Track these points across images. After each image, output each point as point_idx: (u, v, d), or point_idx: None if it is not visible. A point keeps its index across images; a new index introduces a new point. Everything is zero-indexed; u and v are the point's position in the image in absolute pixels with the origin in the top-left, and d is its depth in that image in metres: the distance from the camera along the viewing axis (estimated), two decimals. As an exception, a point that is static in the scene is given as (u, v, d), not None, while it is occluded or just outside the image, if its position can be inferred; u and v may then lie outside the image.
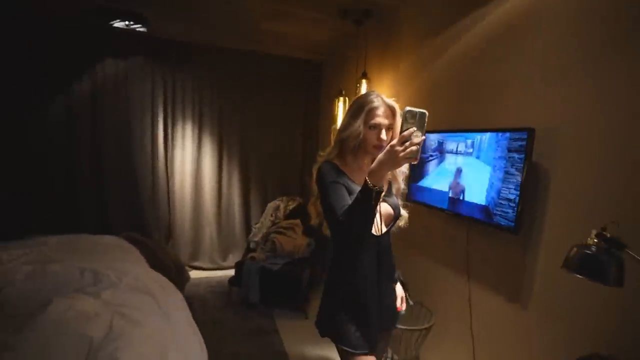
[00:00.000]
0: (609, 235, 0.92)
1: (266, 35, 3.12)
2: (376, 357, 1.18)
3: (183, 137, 3.47)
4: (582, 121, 1.21)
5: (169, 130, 3.42)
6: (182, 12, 2.74)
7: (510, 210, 1.35)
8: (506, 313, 1.50)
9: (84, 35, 3.02)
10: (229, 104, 3.58)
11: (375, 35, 2.65)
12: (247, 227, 3.73)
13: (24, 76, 2.92)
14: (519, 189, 1.31)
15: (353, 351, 1.09)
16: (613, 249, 0.92)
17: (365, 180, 0.91)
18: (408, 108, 0.87)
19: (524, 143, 1.29)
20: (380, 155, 0.90)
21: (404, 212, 1.19)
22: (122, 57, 3.18)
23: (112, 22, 2.73)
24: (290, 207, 3.33)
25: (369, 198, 0.91)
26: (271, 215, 3.27)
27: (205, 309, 2.76)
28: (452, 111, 1.87)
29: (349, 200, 0.98)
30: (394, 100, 1.07)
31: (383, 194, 0.95)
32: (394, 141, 0.88)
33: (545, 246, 1.33)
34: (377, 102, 1.05)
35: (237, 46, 3.48)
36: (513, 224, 1.33)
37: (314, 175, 1.12)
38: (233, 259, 3.55)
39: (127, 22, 2.73)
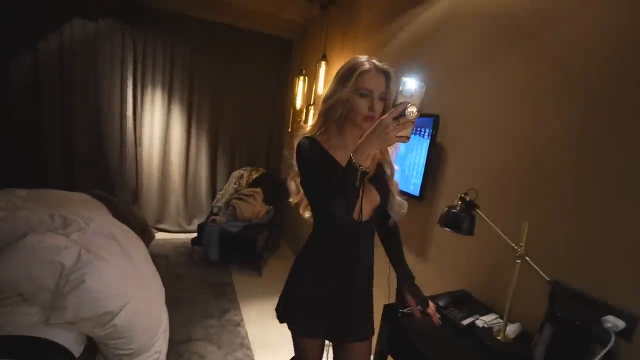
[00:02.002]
0: (467, 198, 1.25)
1: (237, 9, 3.22)
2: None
3: (152, 102, 3.57)
4: (473, 111, 1.52)
5: (139, 95, 3.50)
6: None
7: (418, 181, 1.67)
8: (415, 266, 1.86)
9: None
10: (201, 73, 3.68)
11: (337, 20, 2.85)
12: (213, 194, 3.94)
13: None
14: (424, 164, 1.63)
15: (299, 335, 1.06)
16: (469, 208, 1.25)
17: (350, 158, 0.81)
18: (405, 78, 0.78)
19: (430, 128, 1.60)
20: (369, 130, 0.80)
21: (401, 200, 1.07)
22: (92, 18, 3.18)
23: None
24: (254, 177, 3.58)
25: (352, 178, 0.81)
26: (235, 183, 3.51)
27: (169, 264, 3.01)
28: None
29: (323, 182, 0.88)
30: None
31: (369, 175, 0.89)
32: (387, 115, 0.78)
33: (440, 210, 1.68)
34: (368, 65, 0.92)
35: (211, 17, 3.54)
36: (419, 193, 1.66)
37: (294, 150, 1.01)
38: (197, 222, 3.77)
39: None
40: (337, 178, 0.84)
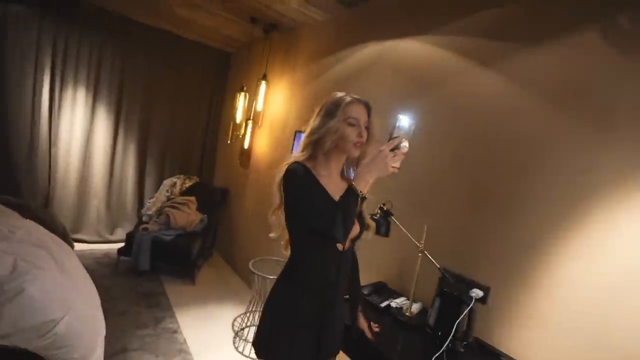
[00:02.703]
0: (385, 208, 1.61)
1: (180, 20, 3.24)
2: None
3: (74, 101, 3.30)
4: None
5: (56, 92, 3.21)
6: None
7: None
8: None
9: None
10: (132, 76, 3.54)
11: (278, 44, 3.11)
12: (140, 202, 3.77)
13: None
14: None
15: None
16: (386, 216, 1.61)
17: (351, 184, 0.89)
18: (401, 115, 0.89)
19: (358, 150, 1.96)
20: (369, 160, 0.91)
21: (369, 221, 1.14)
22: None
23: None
24: (187, 185, 3.56)
25: (353, 203, 0.88)
26: (167, 191, 3.45)
27: (93, 277, 2.77)
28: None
29: (323, 206, 0.92)
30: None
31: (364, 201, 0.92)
32: (385, 147, 0.89)
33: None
34: (350, 98, 1.02)
35: (148, 22, 3.47)
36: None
37: (278, 179, 1.04)
38: (122, 233, 3.56)
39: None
40: (339, 203, 0.89)
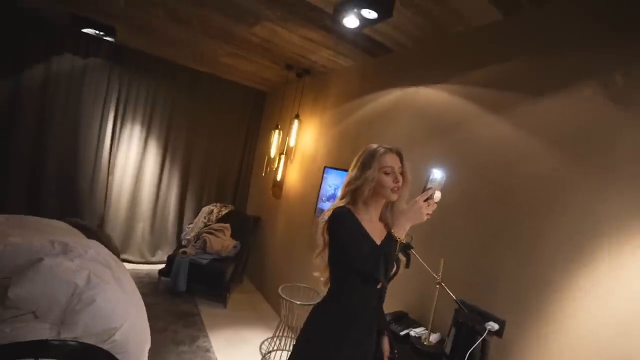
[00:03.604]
0: (405, 241, 1.75)
1: (223, 66, 3.69)
2: None
3: (130, 137, 3.78)
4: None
5: (117, 129, 3.70)
6: (151, 36, 3.18)
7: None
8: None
9: (47, 28, 3.22)
10: (179, 114, 4.00)
11: (309, 87, 3.44)
12: (180, 227, 4.10)
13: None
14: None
15: None
16: (406, 249, 1.74)
17: (390, 231, 1.03)
18: (434, 169, 1.01)
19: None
20: (407, 210, 1.03)
21: (402, 257, 1.27)
22: (82, 55, 3.43)
23: (83, 29, 3.04)
24: (223, 213, 3.85)
25: (393, 248, 1.00)
26: (204, 218, 3.75)
27: None
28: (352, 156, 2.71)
29: (368, 249, 1.03)
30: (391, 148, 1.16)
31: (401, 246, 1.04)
32: (419, 197, 1.02)
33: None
34: (384, 149, 1.14)
35: (195, 67, 3.97)
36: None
37: (323, 222, 1.14)
38: (162, 255, 3.88)
39: (97, 32, 3.07)
40: (381, 247, 1.02)
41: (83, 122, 3.51)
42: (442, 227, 1.86)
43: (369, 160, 1.14)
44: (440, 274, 1.60)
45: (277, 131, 3.47)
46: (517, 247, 1.51)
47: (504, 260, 1.55)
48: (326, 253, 1.18)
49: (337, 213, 1.11)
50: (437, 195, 1.03)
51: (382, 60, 2.58)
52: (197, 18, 2.55)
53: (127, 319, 1.65)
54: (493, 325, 1.46)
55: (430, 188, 1.03)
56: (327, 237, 1.15)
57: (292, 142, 3.31)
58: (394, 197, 1.14)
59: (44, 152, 3.35)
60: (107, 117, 3.63)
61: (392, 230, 1.04)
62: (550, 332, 1.34)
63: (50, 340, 1.30)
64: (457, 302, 1.54)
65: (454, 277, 1.67)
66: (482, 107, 1.78)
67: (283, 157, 3.47)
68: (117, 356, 1.62)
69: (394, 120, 2.33)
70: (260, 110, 4.59)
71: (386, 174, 1.12)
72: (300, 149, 3.39)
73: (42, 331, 1.45)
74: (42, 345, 1.16)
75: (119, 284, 1.88)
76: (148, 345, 1.86)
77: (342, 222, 1.10)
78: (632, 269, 1.17)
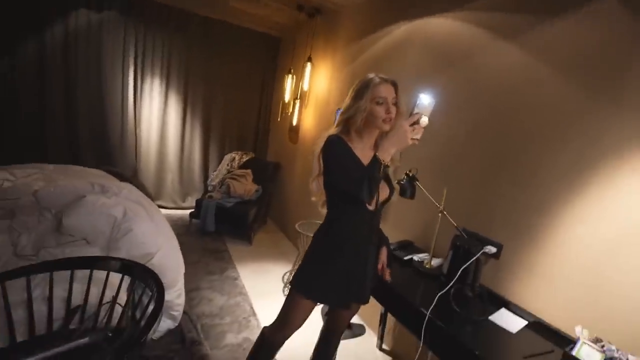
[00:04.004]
0: (410, 174, 1.81)
1: (234, 10, 3.61)
2: (343, 319, 1.43)
3: (151, 90, 3.91)
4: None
5: (139, 83, 3.82)
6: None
7: (380, 164, 2.22)
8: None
9: (59, -16, 3.25)
10: (195, 64, 4.04)
11: (321, 29, 3.32)
12: (205, 175, 4.36)
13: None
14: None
15: (303, 295, 1.22)
16: (411, 181, 1.81)
17: (375, 155, 1.06)
18: (422, 94, 1.01)
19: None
20: (391, 134, 1.05)
21: (395, 185, 1.32)
22: (97, 9, 3.47)
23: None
24: (244, 160, 4.03)
25: (377, 170, 1.04)
26: (227, 165, 3.95)
27: None
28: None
29: (355, 172, 1.08)
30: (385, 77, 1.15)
31: (387, 169, 1.09)
32: (405, 122, 1.02)
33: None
34: (379, 79, 1.14)
35: (207, 14, 3.90)
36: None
37: (318, 150, 1.19)
38: (191, 200, 4.19)
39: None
40: (365, 170, 1.06)
41: (106, 78, 3.65)
42: (448, 157, 1.89)
43: (362, 90, 1.15)
44: (442, 203, 1.67)
45: (290, 76, 3.45)
46: (517, 176, 1.53)
47: (504, 188, 1.59)
48: (322, 179, 1.24)
49: (329, 141, 1.16)
50: (424, 120, 1.03)
51: (394, -9, 2.43)
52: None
53: (160, 248, 1.90)
54: (490, 249, 1.55)
55: (417, 113, 1.03)
56: (321, 163, 1.20)
57: (305, 86, 3.30)
58: (386, 127, 1.16)
59: (75, 109, 3.57)
60: (128, 72, 3.74)
61: (377, 154, 1.07)
62: (544, 254, 1.41)
63: (101, 256, 1.56)
64: (457, 229, 1.62)
65: (457, 205, 1.74)
66: (491, 34, 1.69)
67: (298, 102, 3.48)
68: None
69: (404, 54, 2.25)
70: (275, 56, 4.51)
71: (378, 104, 1.13)
72: (314, 93, 3.38)
73: (94, 254, 1.72)
74: (96, 260, 1.40)
75: (151, 219, 2.12)
76: (182, 271, 2.14)
77: (333, 149, 1.15)
78: (624, 193, 1.18)
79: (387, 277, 1.43)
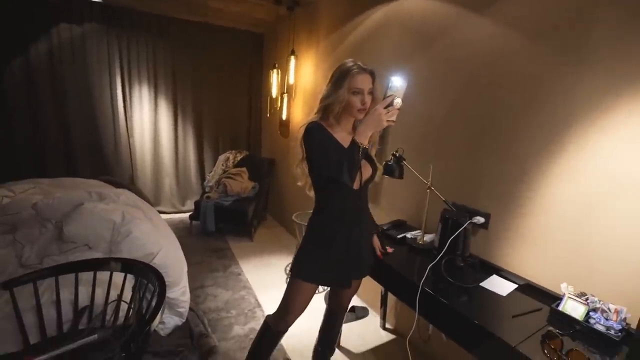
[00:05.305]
0: (397, 154, 1.85)
1: (213, 11, 3.61)
2: (344, 299, 1.54)
3: (140, 98, 3.93)
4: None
5: (127, 92, 3.85)
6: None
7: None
8: (373, 210, 2.49)
9: (38, 1, 3.26)
10: (182, 68, 4.06)
11: (302, 20, 3.33)
12: (202, 177, 4.40)
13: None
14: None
15: (302, 279, 1.28)
16: (398, 161, 1.85)
17: (353, 139, 1.09)
18: (393, 77, 1.03)
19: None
20: (366, 118, 1.08)
21: (379, 165, 1.36)
22: (77, 22, 3.48)
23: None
24: (239, 158, 4.07)
25: (355, 153, 1.07)
26: (222, 165, 3.99)
27: None
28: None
29: (334, 155, 1.11)
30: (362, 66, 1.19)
31: (367, 151, 1.13)
32: (379, 105, 1.05)
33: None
34: (357, 69, 1.17)
35: (187, 17, 3.91)
36: (370, 156, 2.26)
37: (300, 137, 1.23)
38: (190, 203, 4.23)
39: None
40: (344, 153, 1.10)
41: (95, 89, 3.68)
42: (431, 135, 1.93)
43: (341, 79, 1.19)
44: (430, 180, 1.72)
45: (275, 70, 3.48)
46: (499, 144, 1.58)
47: (486, 160, 1.63)
48: (305, 164, 1.30)
49: (309, 128, 1.21)
50: (397, 101, 1.06)
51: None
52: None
53: (161, 247, 1.94)
54: (479, 219, 1.60)
55: (390, 95, 1.05)
56: (304, 149, 1.26)
57: (291, 79, 3.32)
58: (360, 116, 1.20)
59: (67, 123, 3.60)
60: (115, 82, 3.76)
61: (354, 137, 1.11)
62: (529, 219, 1.46)
63: (102, 257, 1.61)
64: (445, 203, 1.67)
65: (444, 181, 1.79)
66: (462, 8, 1.72)
67: (285, 96, 3.51)
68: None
69: (383, 37, 2.28)
70: (260, 53, 4.52)
71: (355, 94, 1.18)
72: (300, 86, 3.41)
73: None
74: (98, 262, 1.45)
75: (150, 221, 2.17)
76: (185, 269, 2.19)
77: (313, 135, 1.19)
78: (597, 147, 1.22)
79: (389, 250, 1.59)
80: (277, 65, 3.51)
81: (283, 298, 1.39)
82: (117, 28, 3.66)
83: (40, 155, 3.56)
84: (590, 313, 1.13)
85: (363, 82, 1.17)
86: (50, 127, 3.55)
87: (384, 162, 1.84)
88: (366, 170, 1.28)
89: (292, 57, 3.23)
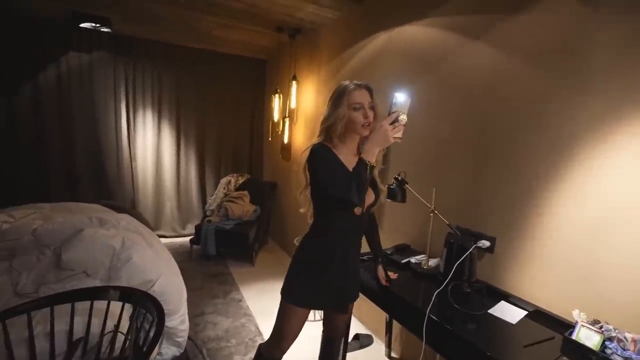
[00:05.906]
0: (399, 178, 1.85)
1: (218, 39, 3.74)
2: (340, 323, 1.45)
3: (144, 123, 4.00)
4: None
5: (131, 118, 3.92)
6: (143, 20, 3.26)
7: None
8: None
9: (49, 30, 3.39)
10: (185, 94, 4.15)
11: (303, 47, 3.43)
12: (203, 200, 4.39)
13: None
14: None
15: (294, 304, 1.23)
16: (401, 185, 1.84)
17: (360, 157, 1.07)
18: (397, 93, 1.03)
19: (375, 131, 2.20)
20: (372, 135, 1.06)
21: (382, 187, 1.30)
22: (86, 51, 3.60)
23: (80, 24, 3.17)
24: (240, 182, 4.07)
25: (364, 171, 1.05)
26: (224, 188, 3.99)
27: None
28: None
29: (341, 176, 1.09)
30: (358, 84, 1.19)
31: (373, 170, 1.11)
32: (384, 121, 1.04)
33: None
34: (353, 85, 1.18)
35: (193, 45, 4.04)
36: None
37: (304, 161, 1.21)
38: (191, 227, 4.20)
39: (93, 25, 3.20)
40: (352, 173, 1.07)
41: (100, 115, 3.75)
42: (433, 158, 1.93)
43: (339, 98, 1.19)
44: (433, 203, 1.70)
45: (277, 95, 3.55)
46: (502, 168, 1.57)
47: (490, 183, 1.62)
48: (309, 190, 1.27)
49: (313, 150, 1.19)
50: (403, 117, 1.05)
51: (366, 6, 2.54)
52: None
53: (161, 274, 1.91)
54: (484, 243, 1.57)
55: (394, 112, 1.04)
56: (308, 174, 1.23)
57: (292, 104, 3.38)
58: (365, 132, 1.18)
59: (72, 148, 3.65)
60: (120, 108, 3.84)
61: (362, 155, 1.08)
62: (536, 243, 1.43)
63: (100, 286, 1.57)
64: (450, 227, 1.65)
65: (447, 204, 1.77)
66: (462, 36, 1.77)
67: (287, 120, 3.56)
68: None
69: (383, 64, 2.34)
70: (263, 79, 4.63)
71: (355, 110, 1.17)
72: (302, 110, 3.46)
73: (95, 285, 1.73)
74: (95, 290, 1.41)
75: (150, 247, 2.14)
76: (184, 296, 2.14)
77: (318, 157, 1.17)
78: (600, 172, 1.22)
79: (393, 277, 1.59)
80: (279, 90, 3.58)
81: (275, 324, 1.34)
82: (124, 55, 3.77)
83: (44, 179, 3.58)
84: (606, 342, 1.08)
85: (361, 96, 1.18)
86: (55, 151, 3.59)
87: (387, 186, 1.83)
88: (369, 197, 1.23)
89: (294, 82, 3.31)
